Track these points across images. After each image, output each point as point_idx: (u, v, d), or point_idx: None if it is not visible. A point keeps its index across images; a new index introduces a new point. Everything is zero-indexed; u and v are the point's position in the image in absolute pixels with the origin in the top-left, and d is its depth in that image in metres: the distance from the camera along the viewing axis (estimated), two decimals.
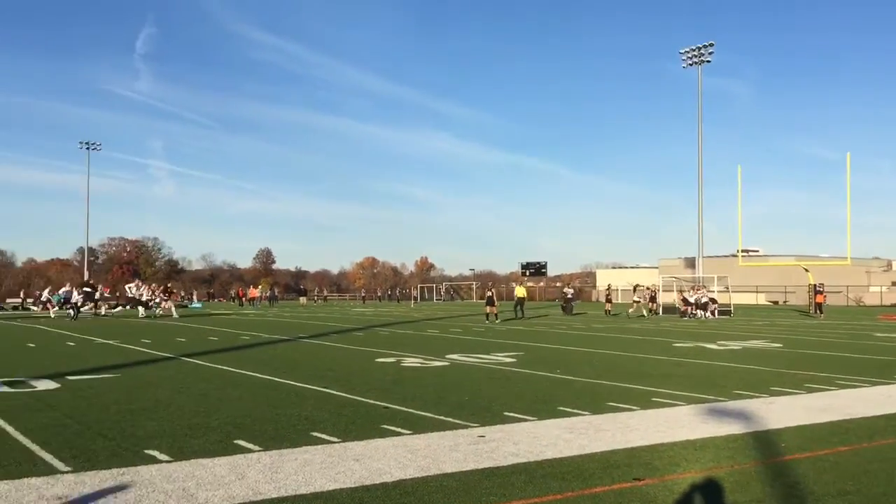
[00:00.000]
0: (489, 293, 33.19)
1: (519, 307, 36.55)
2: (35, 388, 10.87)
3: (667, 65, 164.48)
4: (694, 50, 59.44)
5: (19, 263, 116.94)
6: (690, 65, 59.74)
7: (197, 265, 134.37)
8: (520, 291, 38.14)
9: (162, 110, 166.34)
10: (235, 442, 7.14)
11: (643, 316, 38.31)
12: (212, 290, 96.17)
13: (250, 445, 6.99)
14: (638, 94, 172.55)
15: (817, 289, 43.01)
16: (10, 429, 7.73)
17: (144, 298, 36.99)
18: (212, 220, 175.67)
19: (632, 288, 43.48)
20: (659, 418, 8.62)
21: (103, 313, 38.30)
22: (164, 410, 8.95)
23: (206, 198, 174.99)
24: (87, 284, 41.11)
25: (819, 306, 42.14)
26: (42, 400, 9.76)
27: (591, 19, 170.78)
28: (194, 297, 75.77)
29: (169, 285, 43.16)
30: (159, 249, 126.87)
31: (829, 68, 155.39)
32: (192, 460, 6.37)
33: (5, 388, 10.82)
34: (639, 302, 41.20)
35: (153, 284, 42.02)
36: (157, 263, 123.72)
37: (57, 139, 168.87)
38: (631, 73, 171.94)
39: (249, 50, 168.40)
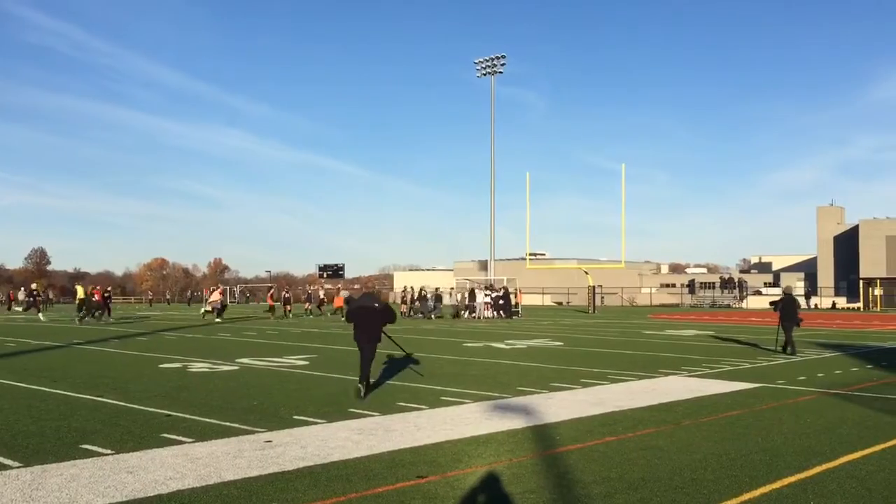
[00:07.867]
0: (286, 294, 41.26)
1: (83, 309, 31.82)
2: None
3: (465, 73, 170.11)
4: (487, 60, 61.76)
5: None
6: (484, 74, 62.04)
7: None
8: (80, 291, 32.94)
9: None
10: None
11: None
12: None
13: (8, 461, 6.39)
14: (437, 100, 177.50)
15: (516, 290, 45.32)
16: None
17: None
18: None
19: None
20: (446, 416, 8.85)
21: None
22: None
23: None
24: None
25: (515, 304, 43.39)
26: None
27: (392, 25, 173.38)
28: None
29: None
30: None
31: (612, 83, 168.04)
32: None
33: None
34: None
35: None
36: None
37: None
38: (431, 80, 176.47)
39: (25, 33, 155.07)
